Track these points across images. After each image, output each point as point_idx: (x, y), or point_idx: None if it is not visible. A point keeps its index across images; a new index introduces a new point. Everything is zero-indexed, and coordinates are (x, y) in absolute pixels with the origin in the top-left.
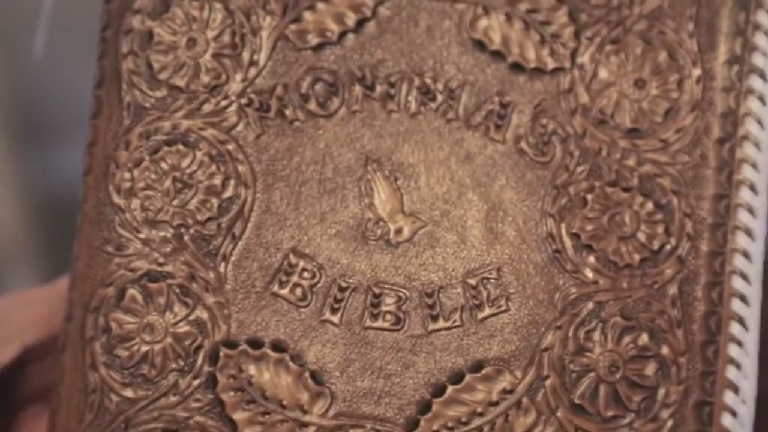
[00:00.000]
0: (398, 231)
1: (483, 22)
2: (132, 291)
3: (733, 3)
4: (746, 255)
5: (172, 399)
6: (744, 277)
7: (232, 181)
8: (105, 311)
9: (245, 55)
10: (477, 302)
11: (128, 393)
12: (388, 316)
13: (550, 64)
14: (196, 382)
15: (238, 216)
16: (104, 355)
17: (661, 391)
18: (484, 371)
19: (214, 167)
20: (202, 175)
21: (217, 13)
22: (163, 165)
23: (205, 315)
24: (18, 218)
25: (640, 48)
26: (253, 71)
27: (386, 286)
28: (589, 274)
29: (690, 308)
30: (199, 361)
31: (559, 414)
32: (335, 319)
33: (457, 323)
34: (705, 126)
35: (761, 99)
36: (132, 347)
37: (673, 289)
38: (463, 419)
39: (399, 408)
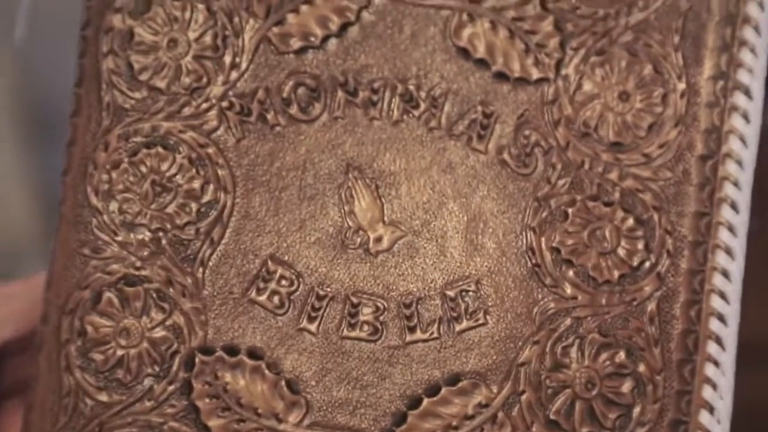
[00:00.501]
0: (378, 240)
1: (468, 30)
2: (108, 294)
3: (720, 17)
4: (725, 274)
5: (147, 404)
6: (723, 296)
7: (212, 186)
8: (81, 314)
9: (227, 58)
10: (455, 315)
11: (103, 397)
12: (366, 327)
13: (535, 74)
14: (171, 388)
15: (217, 221)
16: (79, 359)
17: (637, 409)
18: (460, 384)
19: (193, 171)
20: (181, 178)
21: (199, 14)
22: (142, 167)
23: (181, 320)
24: (32, 214)
25: (625, 60)
26: (234, 74)
27: (364, 295)
28: (568, 289)
29: (668, 326)
30: (175, 367)
31: (534, 429)
32: (312, 327)
33: (435, 335)
34: (688, 142)
35: (745, 116)
36: (107, 351)
37: (651, 307)
38: None
39: (374, 419)
